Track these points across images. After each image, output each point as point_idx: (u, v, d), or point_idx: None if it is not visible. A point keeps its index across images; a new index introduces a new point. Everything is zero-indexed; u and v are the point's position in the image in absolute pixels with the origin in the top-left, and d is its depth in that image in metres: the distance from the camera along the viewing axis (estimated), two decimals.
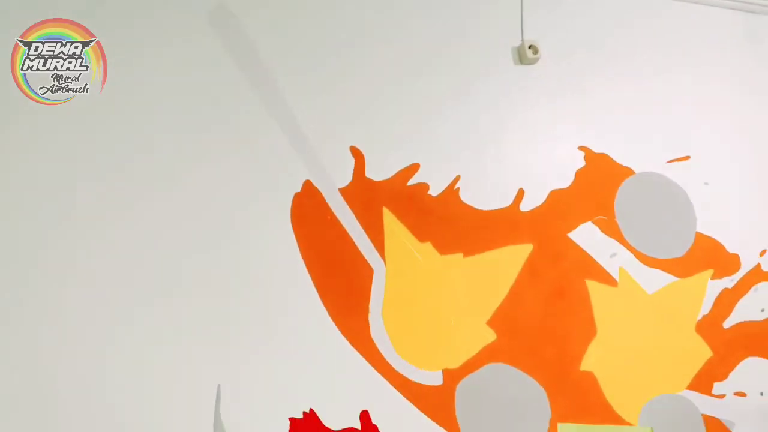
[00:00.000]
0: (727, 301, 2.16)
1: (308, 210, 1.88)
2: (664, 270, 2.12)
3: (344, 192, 1.92)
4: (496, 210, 2.03)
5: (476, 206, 2.01)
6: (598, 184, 2.14)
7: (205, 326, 1.73)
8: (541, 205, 2.07)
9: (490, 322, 1.94)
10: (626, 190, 2.15)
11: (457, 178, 2.01)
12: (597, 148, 2.16)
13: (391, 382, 1.83)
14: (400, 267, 1.91)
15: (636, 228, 2.13)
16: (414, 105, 2.04)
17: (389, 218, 1.94)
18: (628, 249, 2.11)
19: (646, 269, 2.11)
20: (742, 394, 2.10)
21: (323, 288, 1.83)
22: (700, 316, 2.12)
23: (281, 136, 1.90)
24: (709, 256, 2.18)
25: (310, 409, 1.75)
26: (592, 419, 1.96)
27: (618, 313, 2.06)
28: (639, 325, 2.07)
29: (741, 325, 2.15)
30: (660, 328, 2.09)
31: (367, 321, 1.85)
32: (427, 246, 1.95)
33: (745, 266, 2.20)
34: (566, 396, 1.95)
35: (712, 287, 2.16)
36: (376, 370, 1.83)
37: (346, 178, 1.93)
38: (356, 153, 1.95)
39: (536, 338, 1.97)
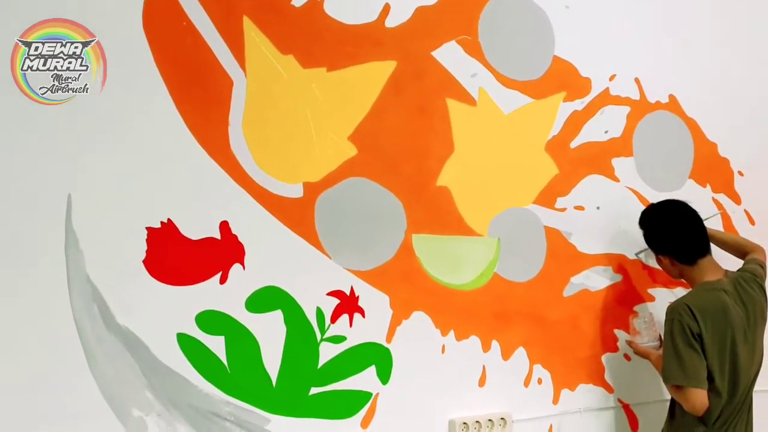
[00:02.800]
0: (575, 122, 2.28)
1: (161, 14, 1.76)
2: (520, 91, 2.20)
3: None
4: (361, 24, 1.98)
5: (341, 20, 1.96)
6: (464, 2, 2.13)
7: (53, 134, 1.63)
8: (406, 22, 2.04)
9: (352, 137, 1.96)
10: (490, 10, 2.16)
11: None
12: None
13: (251, 194, 1.84)
14: (261, 79, 1.86)
15: (497, 49, 2.16)
16: None
17: (250, 28, 1.85)
18: (488, 69, 2.15)
19: (504, 90, 2.17)
20: (581, 208, 2.28)
21: (179, 98, 1.76)
22: (550, 137, 2.24)
23: None
24: (563, 79, 2.26)
25: (168, 219, 1.74)
26: (445, 231, 2.08)
27: (475, 132, 2.13)
28: (494, 143, 2.16)
29: (586, 145, 2.30)
30: (513, 147, 2.19)
31: (227, 133, 1.82)
32: (290, 59, 1.90)
33: (596, 90, 2.32)
34: (422, 209, 2.04)
35: (563, 109, 2.26)
36: (236, 182, 1.82)
37: None
38: None
39: (396, 154, 2.01)
